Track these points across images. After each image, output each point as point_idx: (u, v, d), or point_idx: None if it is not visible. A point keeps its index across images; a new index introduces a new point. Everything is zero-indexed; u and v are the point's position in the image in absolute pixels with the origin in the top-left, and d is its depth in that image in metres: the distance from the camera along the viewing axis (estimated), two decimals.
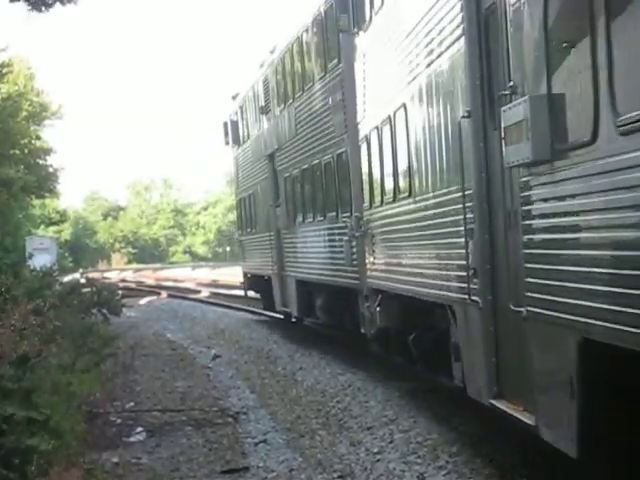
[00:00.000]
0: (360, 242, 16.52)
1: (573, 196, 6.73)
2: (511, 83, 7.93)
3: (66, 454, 9.44)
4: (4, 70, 42.42)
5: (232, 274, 56.35)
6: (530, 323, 7.81)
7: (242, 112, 29.92)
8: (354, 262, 17.26)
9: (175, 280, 61.21)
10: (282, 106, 23.55)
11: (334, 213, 18.93)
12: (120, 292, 25.43)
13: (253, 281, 30.44)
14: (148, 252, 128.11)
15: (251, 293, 31.57)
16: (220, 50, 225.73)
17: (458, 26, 9.43)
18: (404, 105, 12.12)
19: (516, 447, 10.10)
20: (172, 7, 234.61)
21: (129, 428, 13.23)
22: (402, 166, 12.68)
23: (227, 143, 32.18)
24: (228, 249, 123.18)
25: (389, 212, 13.62)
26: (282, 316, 26.30)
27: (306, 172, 21.43)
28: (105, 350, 14.83)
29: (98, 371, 14.35)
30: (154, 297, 44.40)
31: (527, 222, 7.77)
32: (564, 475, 8.58)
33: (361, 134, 15.55)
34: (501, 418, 9.27)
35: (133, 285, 54.90)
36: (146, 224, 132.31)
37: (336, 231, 18.75)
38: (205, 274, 69.29)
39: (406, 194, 12.38)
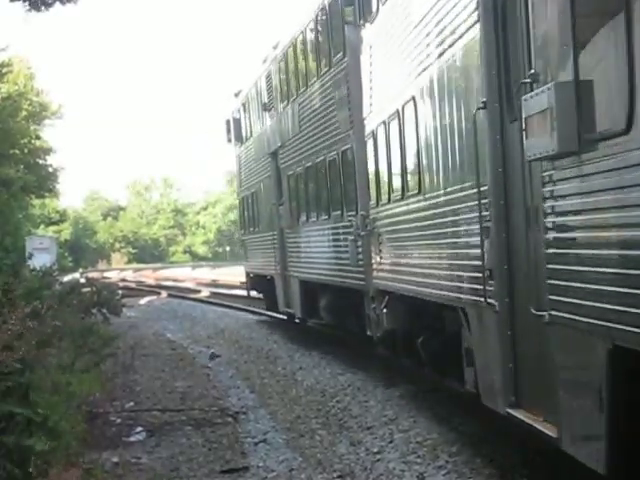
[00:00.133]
0: (366, 241, 15.92)
1: (603, 191, 6.15)
2: (532, 70, 7.36)
3: (66, 454, 9.36)
4: (4, 70, 42.24)
5: (232, 274, 56.62)
6: (553, 328, 7.25)
7: (245, 109, 29.29)
8: (360, 262, 16.69)
9: (175, 280, 61.15)
10: (285, 102, 22.91)
11: (339, 212, 18.28)
12: (120, 292, 25.12)
13: (256, 281, 29.78)
14: (148, 252, 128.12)
15: (253, 293, 30.82)
16: (221, 49, 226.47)
17: (473, 12, 8.85)
18: (413, 98, 11.56)
19: (516, 447, 10.00)
20: (172, 7, 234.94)
21: (129, 428, 13.15)
22: (411, 162, 12.13)
23: (229, 141, 31.64)
24: (228, 249, 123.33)
25: (397, 210, 13.03)
26: (285, 317, 25.64)
27: (310, 170, 20.76)
28: (105, 350, 14.66)
29: (98, 371, 14.16)
30: (154, 297, 44.20)
31: (550, 219, 7.21)
32: (564, 475, 8.48)
33: (367, 130, 14.94)
34: (501, 418, 9.09)
35: (133, 285, 54.72)
36: (146, 224, 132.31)
37: (341, 230, 18.13)
38: (205, 274, 69.29)
39: (415, 191, 11.81)
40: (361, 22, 15.17)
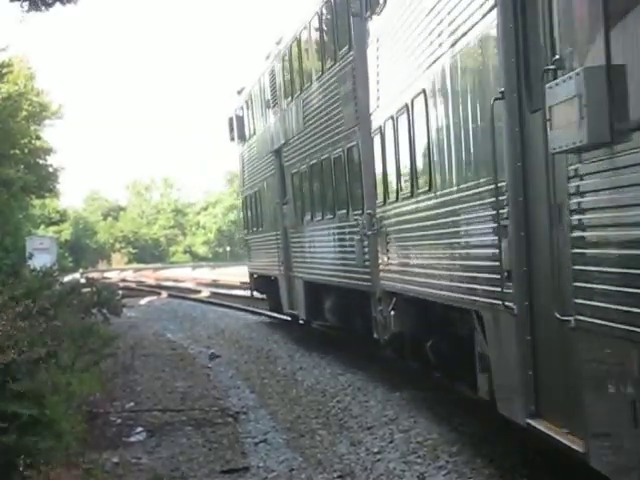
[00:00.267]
0: (373, 241, 15.32)
1: (637, 185, 5.63)
2: (557, 56, 6.82)
3: (66, 454, 9.38)
4: (4, 70, 41.93)
5: (232, 274, 56.84)
6: (580, 334, 6.69)
7: (248, 107, 28.66)
8: (366, 263, 16.11)
9: (175, 280, 61.27)
10: (289, 99, 22.26)
11: (344, 210, 17.68)
12: (120, 292, 24.92)
13: (259, 282, 29.23)
14: (148, 252, 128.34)
15: (256, 294, 30.42)
16: (221, 47, 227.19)
17: None
18: (423, 91, 10.98)
19: (516, 447, 9.89)
20: (172, 7, 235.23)
21: (129, 428, 13.11)
22: (421, 158, 11.55)
23: (232, 139, 31.01)
24: (228, 249, 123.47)
25: (406, 208, 12.44)
26: (289, 318, 25.05)
27: (315, 167, 20.08)
28: (105, 350, 14.51)
29: (98, 371, 14.03)
30: (154, 297, 44.20)
31: (576, 217, 6.65)
32: (564, 475, 8.40)
33: (374, 125, 14.34)
34: (501, 418, 9.04)
35: (133, 285, 54.88)
36: (146, 224, 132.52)
37: (347, 230, 17.53)
38: (205, 274, 69.45)
39: (425, 188, 11.22)
40: (367, 14, 14.61)
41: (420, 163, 11.65)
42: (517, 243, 8.08)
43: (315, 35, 19.60)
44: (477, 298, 9.32)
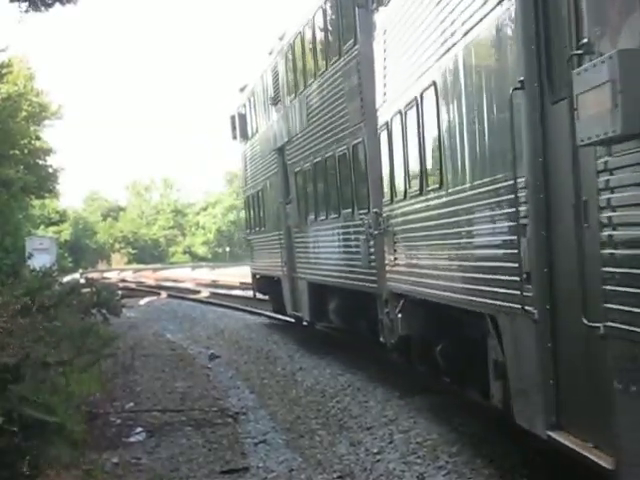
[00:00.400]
0: (379, 241, 14.76)
1: None
2: (585, 40, 6.31)
3: (70, 457, 9.36)
4: (4, 70, 41.79)
5: (232, 274, 56.94)
6: (611, 342, 6.17)
7: (250, 104, 28.09)
8: (372, 263, 15.58)
9: (175, 280, 61.05)
10: (292, 95, 21.69)
11: (350, 210, 17.11)
12: (120, 292, 24.76)
13: (262, 282, 28.68)
14: (148, 252, 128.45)
15: (259, 295, 30.03)
16: (221, 47, 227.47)
17: None
18: (434, 83, 10.42)
19: (516, 447, 9.80)
20: (172, 7, 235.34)
21: (129, 428, 13.06)
22: (431, 154, 11.00)
23: (234, 137, 30.41)
24: (228, 249, 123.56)
25: (414, 207, 11.87)
26: (293, 320, 24.51)
27: (319, 166, 19.49)
28: (105, 350, 14.36)
29: (98, 371, 13.94)
30: (154, 297, 43.95)
31: (607, 214, 6.13)
32: (564, 475, 8.32)
33: (380, 121, 13.77)
34: (501, 418, 8.98)
35: (133, 285, 54.66)
36: (146, 224, 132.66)
37: (352, 229, 17.00)
38: (205, 274, 69.39)
39: (436, 186, 10.66)
40: (374, 5, 14.09)
41: (430, 159, 11.12)
42: (537, 243, 7.55)
43: (319, 29, 19.01)
44: (492, 301, 8.76)
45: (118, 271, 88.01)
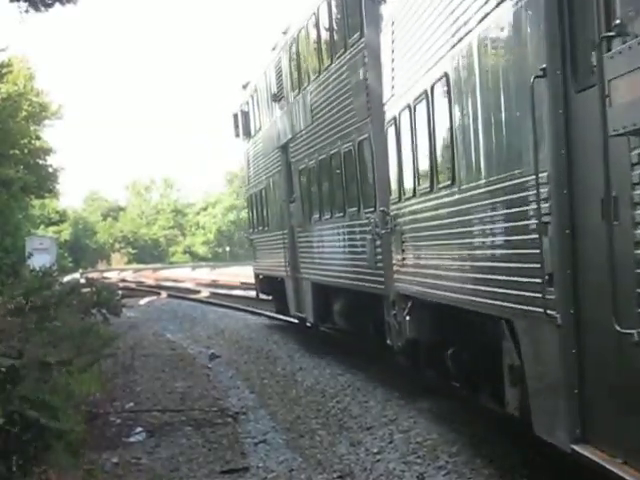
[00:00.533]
0: (386, 241, 14.19)
1: None
2: (617, 21, 5.88)
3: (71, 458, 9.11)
4: (4, 70, 41.82)
5: (232, 274, 56.78)
6: None
7: (253, 101, 27.51)
8: (378, 264, 15.02)
9: (175, 280, 60.94)
10: (296, 91, 21.09)
11: (355, 208, 16.53)
12: (120, 292, 24.88)
13: (265, 283, 28.19)
14: (148, 252, 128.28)
15: (262, 296, 29.61)
16: (222, 46, 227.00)
17: None
18: (446, 75, 9.87)
19: (516, 447, 9.81)
20: (172, 7, 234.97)
21: (129, 428, 13.07)
22: (442, 149, 10.43)
23: (237, 135, 29.97)
24: (228, 249, 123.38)
25: (424, 205, 11.30)
26: (296, 321, 24.02)
27: (323, 163, 18.91)
28: (105, 350, 14.53)
29: (98, 371, 13.94)
30: (154, 297, 43.93)
31: None
32: (564, 475, 8.29)
33: (388, 116, 13.18)
34: (501, 418, 8.88)
35: (133, 285, 54.58)
36: (146, 224, 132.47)
37: (357, 229, 16.47)
38: (205, 274, 69.32)
39: (448, 182, 10.09)
40: None
41: (441, 155, 10.55)
42: (561, 242, 7.02)
43: (324, 22, 18.41)
44: (509, 304, 8.22)
45: (118, 271, 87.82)
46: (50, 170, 55.09)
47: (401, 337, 13.39)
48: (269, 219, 26.51)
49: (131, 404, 14.77)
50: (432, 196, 10.87)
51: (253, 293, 33.84)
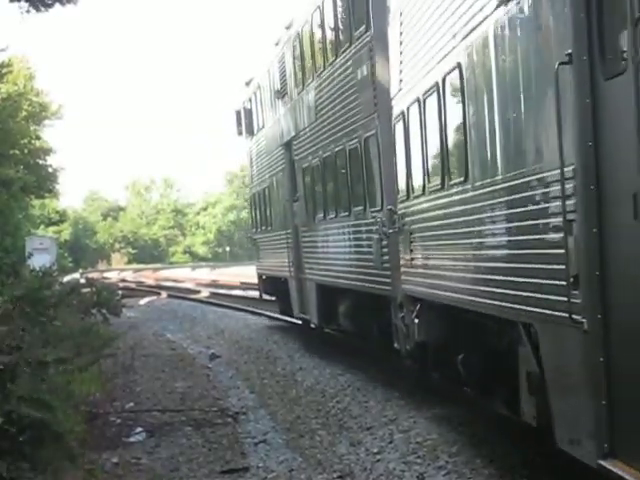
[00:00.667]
0: (393, 241, 13.71)
1: None
2: None
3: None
4: (4, 70, 41.82)
5: (232, 274, 56.80)
6: None
7: (256, 98, 27.00)
8: (385, 264, 14.53)
9: (175, 280, 61.08)
10: (300, 88, 20.56)
11: (361, 207, 16.03)
12: (120, 292, 24.89)
13: (268, 283, 27.79)
14: (148, 252, 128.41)
15: (264, 297, 29.49)
16: (222, 46, 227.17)
17: None
18: (459, 66, 9.36)
19: (516, 447, 9.80)
20: (172, 7, 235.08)
21: (129, 428, 13.07)
22: (454, 144, 9.93)
23: (240, 133, 29.56)
24: (228, 249, 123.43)
25: (434, 203, 10.76)
26: (300, 322, 23.59)
27: (328, 161, 18.37)
28: (105, 350, 14.53)
29: (98, 371, 13.79)
30: (154, 297, 44.00)
31: None
32: (564, 475, 8.25)
33: (396, 111, 12.70)
34: (501, 418, 8.79)
35: (133, 285, 54.75)
36: (146, 224, 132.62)
37: (363, 228, 15.95)
38: (205, 274, 69.56)
39: (460, 179, 9.57)
40: None
41: (453, 150, 10.04)
42: (588, 241, 6.52)
43: (328, 16, 17.90)
44: (528, 307, 7.71)
45: (118, 271, 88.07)
46: (50, 170, 55.18)
47: (409, 340, 12.93)
48: (272, 218, 26.05)
49: (131, 404, 14.75)
50: (443, 193, 10.37)
51: (253, 293, 33.93)
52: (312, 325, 21.75)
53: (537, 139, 7.41)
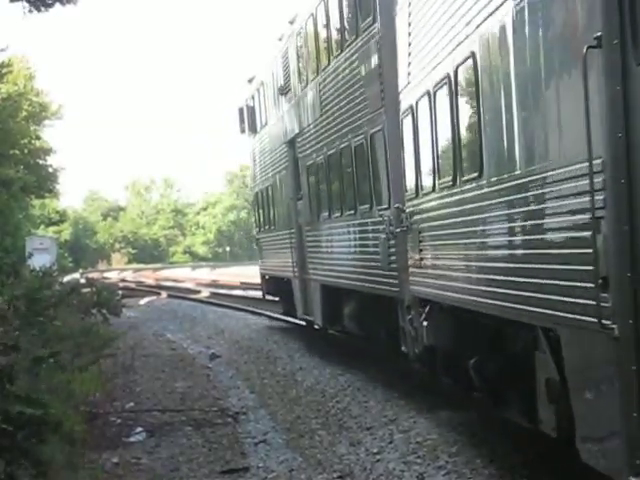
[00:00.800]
0: (401, 240, 13.16)
1: None
2: None
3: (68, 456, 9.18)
4: (4, 70, 41.79)
5: (232, 274, 56.80)
6: None
7: (259, 95, 26.51)
8: (392, 265, 14.03)
9: (175, 280, 61.12)
10: (304, 83, 20.03)
11: (367, 205, 15.53)
12: (120, 292, 24.88)
13: (271, 284, 27.35)
14: (148, 252, 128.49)
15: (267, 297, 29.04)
16: (222, 46, 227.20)
17: None
18: (473, 55, 8.84)
19: (516, 447, 9.78)
20: (172, 6, 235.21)
21: (129, 428, 13.04)
22: (467, 139, 9.41)
23: (242, 131, 29.00)
24: (228, 249, 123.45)
25: (445, 201, 10.21)
26: (304, 323, 23.14)
27: (332, 158, 17.84)
28: (105, 350, 14.52)
29: (98, 371, 14.00)
30: (154, 297, 44.01)
31: None
32: (564, 475, 8.24)
33: (404, 105, 12.19)
34: (501, 418, 8.77)
35: (133, 285, 54.76)
36: (146, 224, 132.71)
37: (370, 227, 15.43)
38: (205, 274, 69.68)
39: (474, 175, 9.01)
40: None
41: (466, 145, 9.52)
42: (618, 240, 6.03)
43: (333, 8, 17.35)
44: (550, 311, 7.21)
45: (118, 271, 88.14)
46: (50, 170, 55.26)
47: (417, 344, 12.44)
48: (276, 217, 25.60)
49: (131, 404, 14.74)
50: (455, 190, 9.82)
51: (253, 293, 33.90)
52: (316, 326, 21.27)
53: (562, 130, 6.88)
